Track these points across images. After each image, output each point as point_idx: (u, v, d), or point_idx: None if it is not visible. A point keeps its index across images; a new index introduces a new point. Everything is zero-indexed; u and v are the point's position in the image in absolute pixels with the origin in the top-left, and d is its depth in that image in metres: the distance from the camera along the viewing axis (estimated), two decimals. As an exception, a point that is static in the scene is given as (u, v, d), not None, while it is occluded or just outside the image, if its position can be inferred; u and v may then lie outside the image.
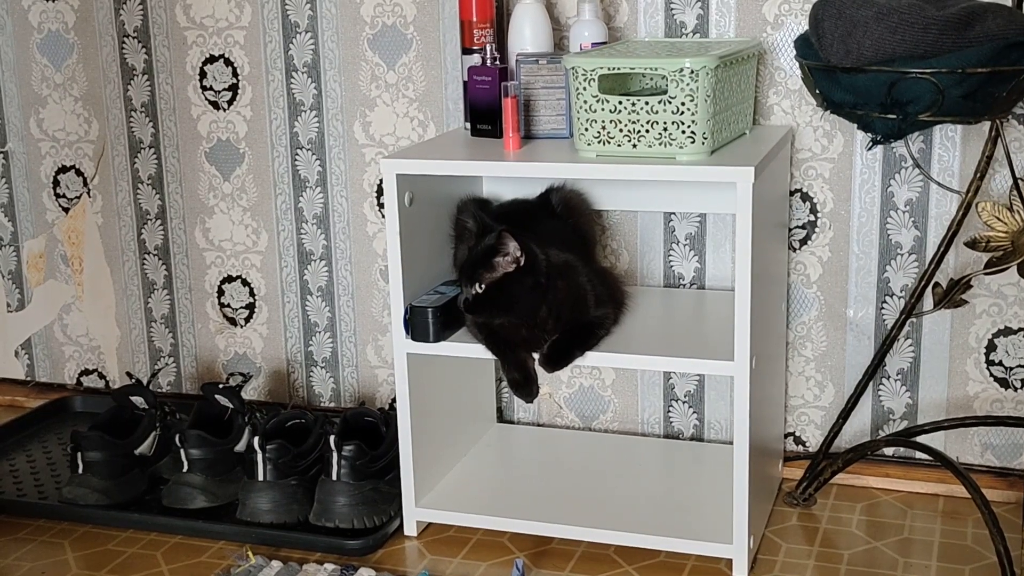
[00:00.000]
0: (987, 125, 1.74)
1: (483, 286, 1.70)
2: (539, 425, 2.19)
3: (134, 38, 2.25)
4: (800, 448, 2.05)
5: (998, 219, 1.78)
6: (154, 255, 2.35)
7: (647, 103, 1.65)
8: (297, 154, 2.21)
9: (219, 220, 2.29)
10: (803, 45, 1.72)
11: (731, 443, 1.71)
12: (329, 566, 1.77)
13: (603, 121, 1.68)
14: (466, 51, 1.91)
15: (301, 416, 1.99)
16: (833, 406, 2.01)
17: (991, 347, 1.93)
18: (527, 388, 1.76)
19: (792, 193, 1.96)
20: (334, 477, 1.84)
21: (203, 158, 2.27)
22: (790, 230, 1.97)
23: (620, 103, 1.67)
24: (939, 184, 1.87)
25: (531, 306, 1.71)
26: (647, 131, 1.67)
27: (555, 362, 1.74)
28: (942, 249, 1.81)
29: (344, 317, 2.26)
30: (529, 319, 1.72)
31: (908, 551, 1.80)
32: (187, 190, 2.30)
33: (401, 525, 1.88)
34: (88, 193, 2.37)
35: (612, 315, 1.81)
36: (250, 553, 1.81)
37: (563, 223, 1.87)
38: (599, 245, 2.04)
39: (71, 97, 2.33)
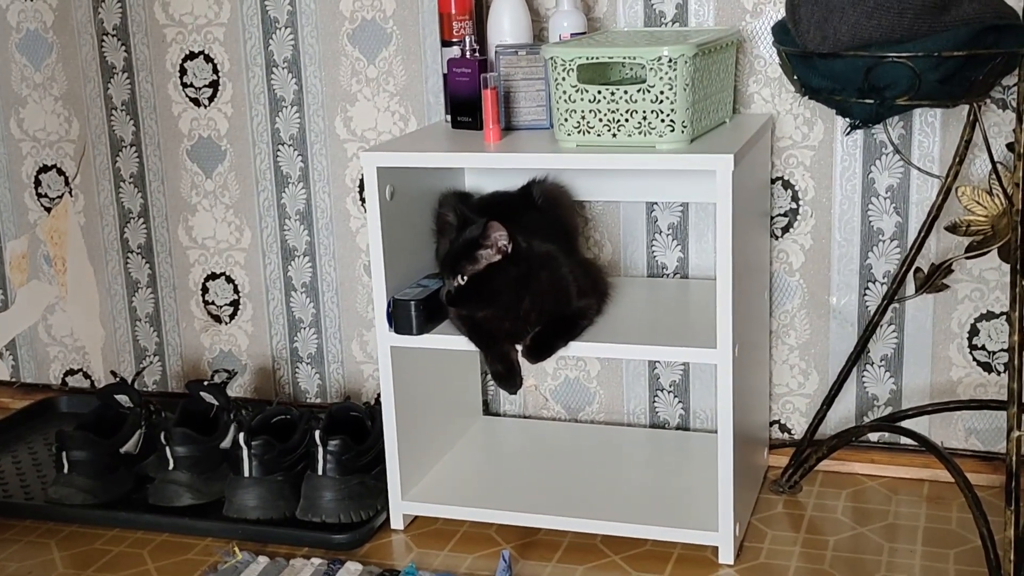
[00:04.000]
0: (966, 110, 1.75)
1: (465, 278, 1.70)
2: (525, 417, 2.19)
3: (113, 36, 2.24)
4: (785, 436, 2.06)
5: (978, 203, 1.78)
6: (137, 254, 2.35)
7: (626, 92, 1.66)
8: (279, 150, 2.20)
9: (202, 218, 2.29)
10: (781, 32, 1.72)
11: (716, 432, 1.71)
12: (316, 561, 1.77)
13: (583, 111, 1.68)
14: (445, 44, 1.91)
15: (286, 412, 1.99)
16: (817, 393, 2.01)
17: (974, 332, 1.93)
18: (510, 380, 1.77)
19: (773, 181, 1.96)
20: (320, 472, 1.84)
21: (185, 156, 2.27)
22: (772, 218, 1.98)
23: (599, 92, 1.67)
24: (919, 169, 1.88)
25: (514, 298, 1.71)
26: (627, 120, 1.67)
27: (538, 354, 1.74)
28: (923, 234, 1.81)
29: (329, 313, 2.26)
30: (512, 311, 1.72)
31: (893, 536, 1.81)
32: (169, 188, 2.29)
33: (388, 519, 1.88)
34: (70, 193, 2.36)
35: (595, 306, 1.81)
36: (236, 549, 1.81)
37: (545, 215, 1.87)
38: (582, 236, 2.04)
39: (51, 96, 2.32)
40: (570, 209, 1.96)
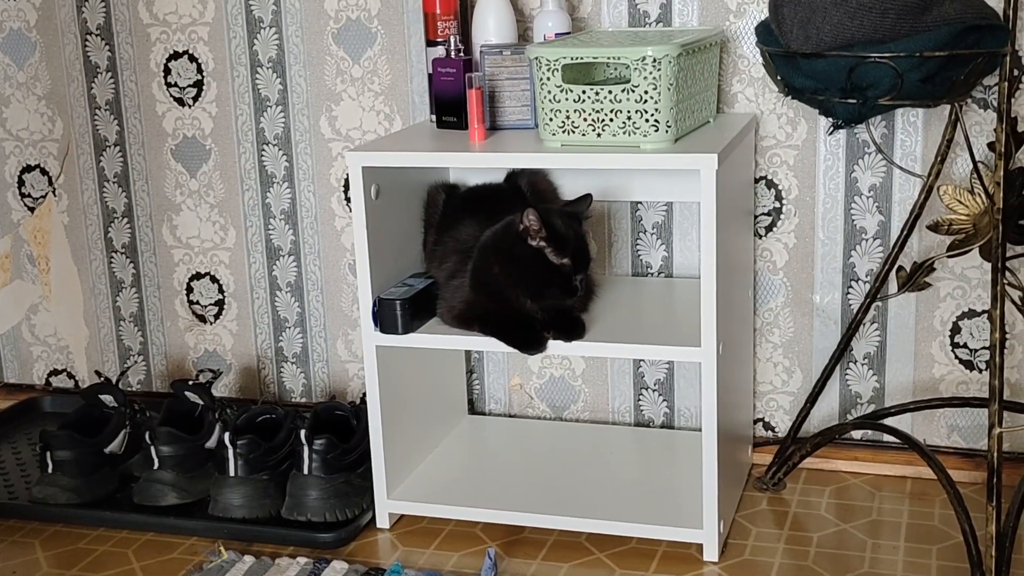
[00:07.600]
0: (947, 109, 1.76)
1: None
2: (510, 416, 2.20)
3: (97, 35, 2.24)
4: (769, 434, 2.07)
5: (960, 202, 1.79)
6: (121, 253, 2.35)
7: (611, 92, 1.66)
8: (264, 150, 2.20)
9: (186, 217, 2.28)
10: (764, 32, 1.73)
11: (701, 430, 1.72)
12: (302, 560, 1.77)
13: (567, 111, 1.69)
14: (430, 43, 1.91)
15: (272, 411, 1.99)
16: (801, 391, 2.03)
17: (955, 330, 1.95)
18: (536, 338, 1.73)
19: (757, 180, 1.97)
20: (305, 471, 1.84)
21: (169, 155, 2.26)
22: (756, 217, 1.99)
23: (584, 92, 1.67)
24: (901, 169, 1.89)
25: None
26: (611, 120, 1.67)
27: (576, 332, 1.74)
28: (905, 233, 1.82)
29: (314, 312, 2.26)
30: None
31: (877, 533, 1.82)
32: (153, 188, 2.29)
33: (373, 517, 1.88)
34: (54, 192, 2.36)
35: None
36: (222, 548, 1.81)
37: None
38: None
39: (34, 96, 2.31)
40: (554, 194, 1.96)
